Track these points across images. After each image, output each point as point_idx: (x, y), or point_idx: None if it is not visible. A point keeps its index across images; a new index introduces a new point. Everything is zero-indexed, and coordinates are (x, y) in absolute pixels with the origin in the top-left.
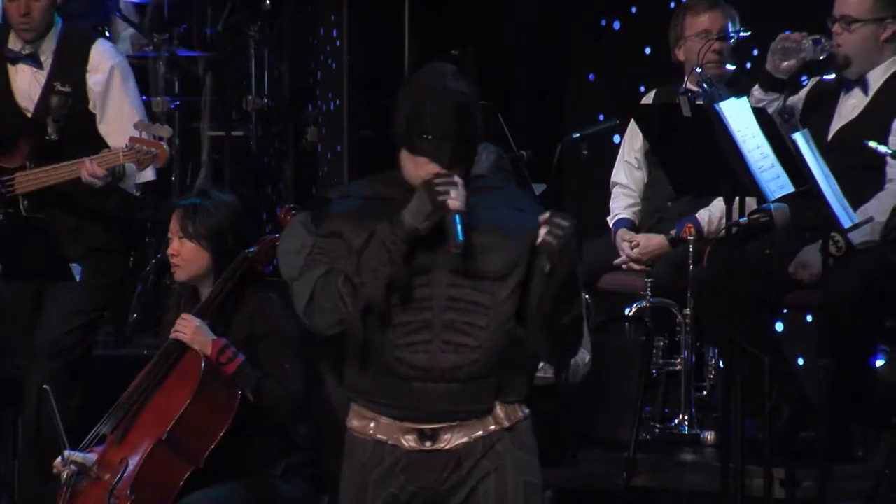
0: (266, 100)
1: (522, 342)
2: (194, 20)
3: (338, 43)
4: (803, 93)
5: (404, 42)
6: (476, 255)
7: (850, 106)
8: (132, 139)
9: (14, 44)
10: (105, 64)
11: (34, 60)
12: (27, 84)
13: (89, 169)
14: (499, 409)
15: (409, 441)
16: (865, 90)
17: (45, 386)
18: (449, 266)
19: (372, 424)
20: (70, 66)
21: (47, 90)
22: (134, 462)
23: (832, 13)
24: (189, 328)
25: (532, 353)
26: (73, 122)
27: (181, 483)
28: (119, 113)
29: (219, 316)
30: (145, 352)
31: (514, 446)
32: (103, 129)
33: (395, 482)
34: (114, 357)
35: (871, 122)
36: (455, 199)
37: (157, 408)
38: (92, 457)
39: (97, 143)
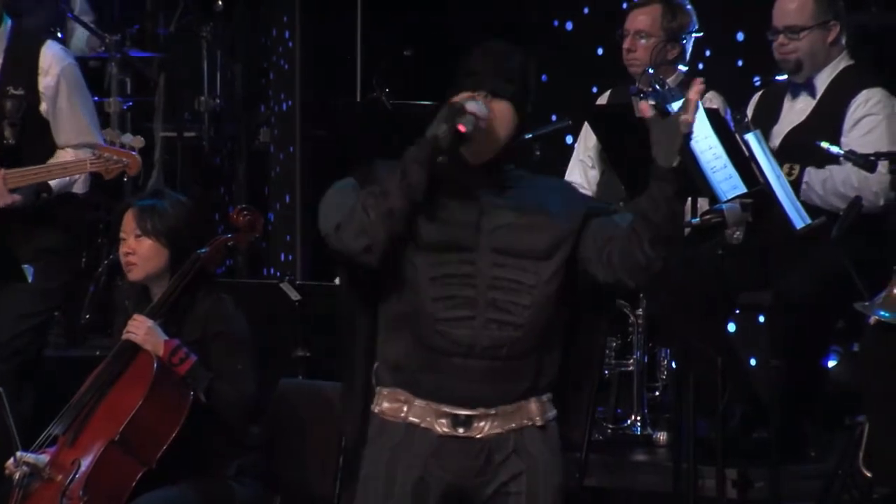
0: (218, 100)
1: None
2: (147, 21)
3: (290, 44)
4: (755, 97)
5: (356, 43)
6: (521, 234)
7: (799, 109)
8: (102, 148)
9: None
10: (55, 67)
11: None
12: None
13: None
14: (533, 404)
15: (441, 426)
16: (813, 93)
17: None
18: (493, 245)
19: (405, 407)
20: (21, 68)
21: (0, 94)
22: (86, 463)
23: (773, 27)
24: (141, 329)
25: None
26: (29, 125)
27: (133, 484)
28: (70, 116)
29: (171, 317)
30: (97, 353)
31: (546, 447)
32: (54, 132)
33: (424, 467)
34: (66, 358)
35: (821, 124)
36: (472, 105)
37: (110, 408)
38: (44, 458)
39: (54, 145)
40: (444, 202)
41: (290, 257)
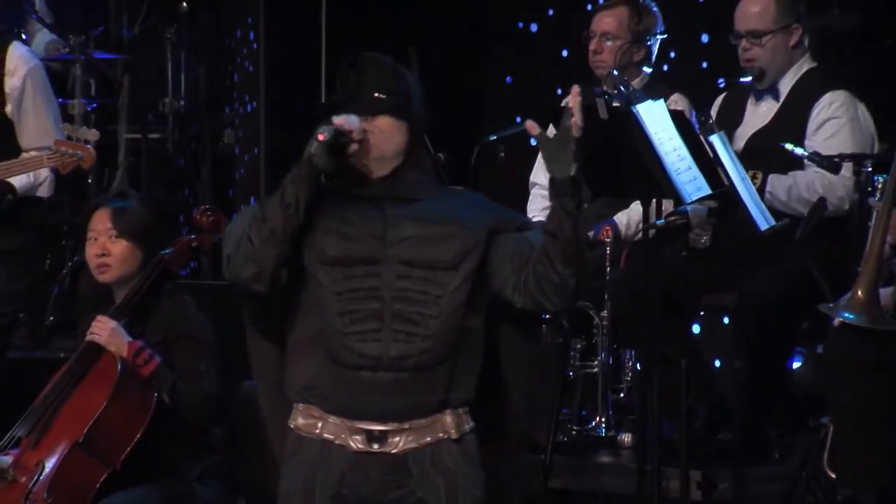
0: (182, 102)
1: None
2: (111, 22)
3: (255, 45)
4: (719, 98)
5: (321, 44)
6: (427, 245)
7: (763, 112)
8: (57, 142)
9: None
10: (21, 69)
11: None
12: None
13: None
14: (448, 417)
15: (356, 442)
16: (776, 96)
17: None
18: (398, 257)
19: (320, 424)
20: None
21: None
22: (50, 464)
23: (735, 31)
24: (105, 330)
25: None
26: None
27: (98, 485)
28: (35, 119)
29: (134, 318)
30: (62, 354)
31: (464, 460)
32: (18, 135)
33: (342, 482)
34: (30, 359)
35: (785, 127)
36: (341, 118)
37: (74, 410)
38: (7, 459)
39: (17, 146)
40: (348, 216)
41: None
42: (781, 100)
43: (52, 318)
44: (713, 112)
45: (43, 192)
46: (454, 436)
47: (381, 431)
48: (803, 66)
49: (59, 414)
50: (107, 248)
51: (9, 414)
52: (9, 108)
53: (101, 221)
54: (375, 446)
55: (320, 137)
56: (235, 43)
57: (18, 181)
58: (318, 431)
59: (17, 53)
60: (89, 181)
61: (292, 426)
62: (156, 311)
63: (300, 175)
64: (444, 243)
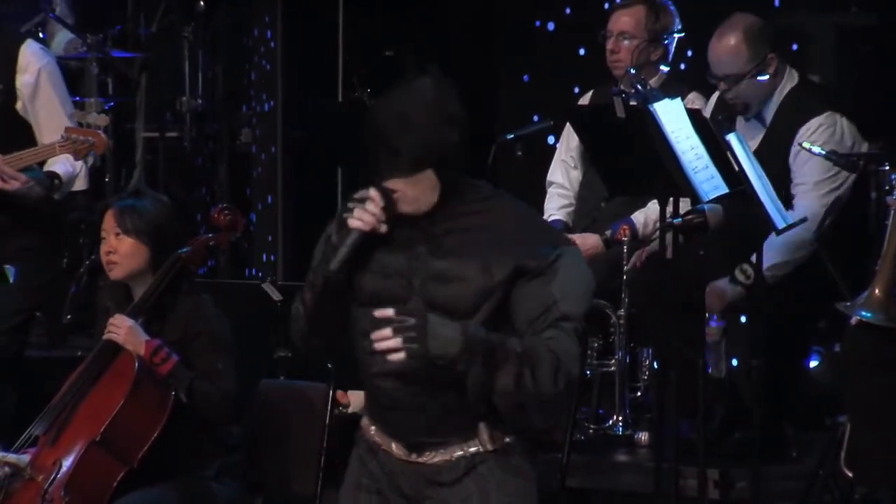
0: (200, 101)
1: None
2: (129, 21)
3: (272, 44)
4: (714, 95)
5: (339, 43)
6: (448, 286)
7: (749, 135)
8: (68, 129)
9: None
10: (34, 66)
11: None
12: None
13: (3, 171)
14: (483, 432)
15: (396, 450)
16: (762, 121)
17: None
18: (423, 296)
19: (372, 428)
20: None
21: None
22: (67, 463)
23: (712, 73)
24: (122, 329)
25: None
26: (4, 121)
27: (115, 484)
28: (48, 115)
29: (152, 316)
30: (79, 353)
31: (500, 469)
32: (36, 132)
33: (381, 482)
34: (47, 358)
35: (770, 154)
36: (357, 217)
37: (91, 408)
38: (25, 458)
39: (28, 143)
40: (380, 255)
41: (273, 258)
42: (767, 125)
43: (69, 317)
44: (707, 110)
45: (80, 184)
46: (489, 448)
47: (418, 443)
48: (786, 86)
49: (77, 412)
50: (113, 246)
51: (26, 412)
52: (20, 105)
53: (108, 220)
54: (414, 456)
55: (334, 264)
56: (253, 41)
57: (61, 169)
58: (371, 433)
59: (29, 51)
60: (107, 179)
61: (362, 421)
62: (174, 309)
63: (319, 282)
64: (463, 286)
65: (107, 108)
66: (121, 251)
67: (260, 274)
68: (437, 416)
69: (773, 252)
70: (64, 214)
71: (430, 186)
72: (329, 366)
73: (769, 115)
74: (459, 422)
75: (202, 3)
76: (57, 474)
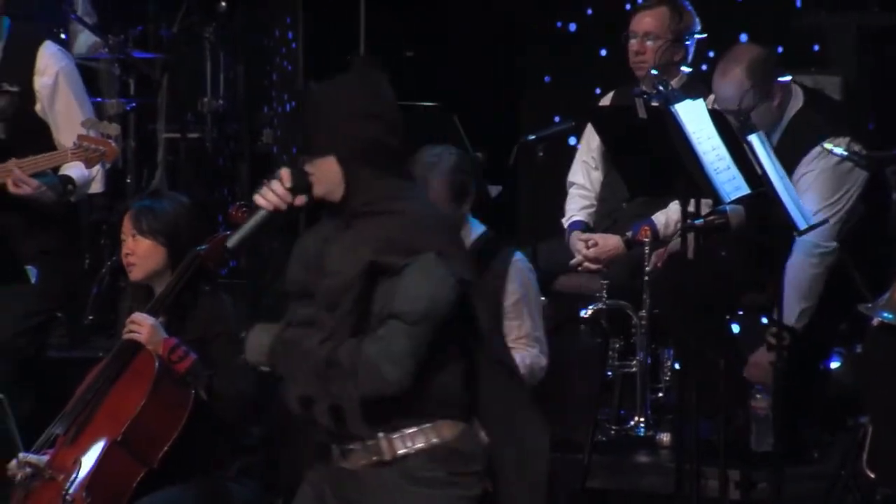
0: (221, 101)
1: None
2: (150, 22)
3: (293, 45)
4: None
5: (359, 43)
6: (325, 280)
7: None
8: (80, 137)
9: None
10: (52, 68)
11: None
12: None
13: (15, 176)
14: (382, 442)
15: (335, 452)
16: (770, 145)
17: None
18: (315, 289)
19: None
20: (17, 67)
21: None
22: (88, 463)
23: (721, 105)
24: (144, 327)
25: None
26: (21, 123)
27: (135, 484)
28: (67, 117)
29: (172, 315)
30: (100, 354)
31: (401, 477)
32: (55, 133)
33: (327, 484)
34: (68, 359)
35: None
36: (262, 195)
37: (111, 408)
38: (45, 458)
39: (47, 144)
40: (308, 244)
41: None
42: (774, 146)
43: (90, 318)
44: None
45: (96, 187)
46: (387, 458)
47: (343, 450)
48: (791, 109)
49: (97, 412)
50: (131, 248)
51: (47, 413)
52: (38, 107)
53: (126, 222)
54: (341, 460)
55: (232, 241)
56: (274, 42)
57: (76, 173)
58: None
59: (48, 53)
60: (128, 181)
61: None
62: (193, 308)
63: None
64: (335, 279)
65: (128, 108)
66: (138, 252)
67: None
68: (341, 416)
69: (795, 294)
70: (83, 216)
71: (334, 174)
72: None
73: (775, 139)
74: (357, 429)
75: (223, 3)
76: (77, 474)
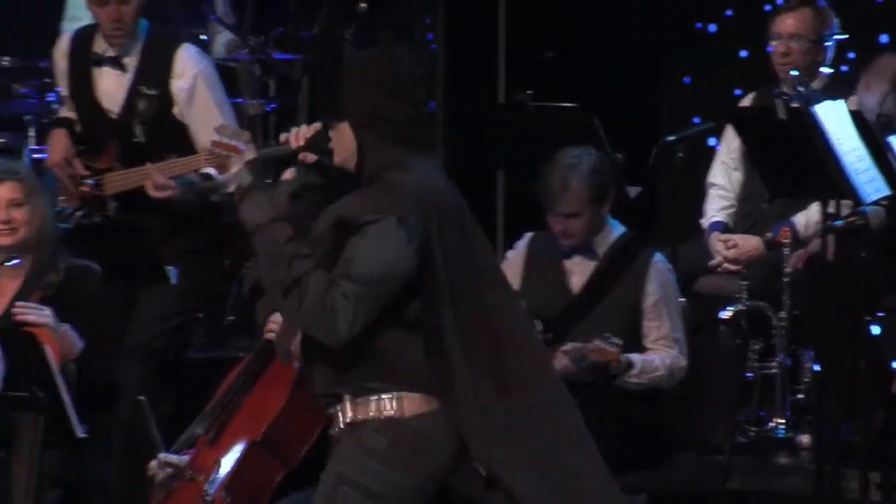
0: None
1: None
2: (290, 23)
3: (432, 46)
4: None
5: (499, 44)
6: (309, 238)
7: None
8: (213, 143)
9: (99, 46)
10: (189, 71)
11: (117, 63)
12: (111, 86)
13: (156, 181)
14: (347, 404)
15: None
16: None
17: (140, 397)
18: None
19: None
20: (155, 70)
21: (133, 93)
22: (228, 463)
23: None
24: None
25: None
26: (160, 125)
27: (275, 484)
28: (205, 119)
29: None
30: (240, 354)
31: (352, 444)
32: (194, 135)
33: None
34: (208, 359)
35: None
36: (292, 134)
37: (252, 408)
38: (186, 458)
39: (185, 146)
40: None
41: None
42: None
43: (230, 318)
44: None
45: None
46: (347, 421)
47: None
48: None
49: (238, 412)
50: None
51: (187, 413)
52: (176, 109)
53: None
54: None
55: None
56: (413, 44)
57: (214, 172)
58: None
59: (185, 55)
60: (267, 181)
61: None
62: None
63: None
64: (313, 237)
65: (268, 109)
66: None
67: None
68: (311, 375)
69: None
70: (224, 216)
71: (349, 140)
72: None
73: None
74: (326, 389)
75: (363, 4)
76: (217, 474)
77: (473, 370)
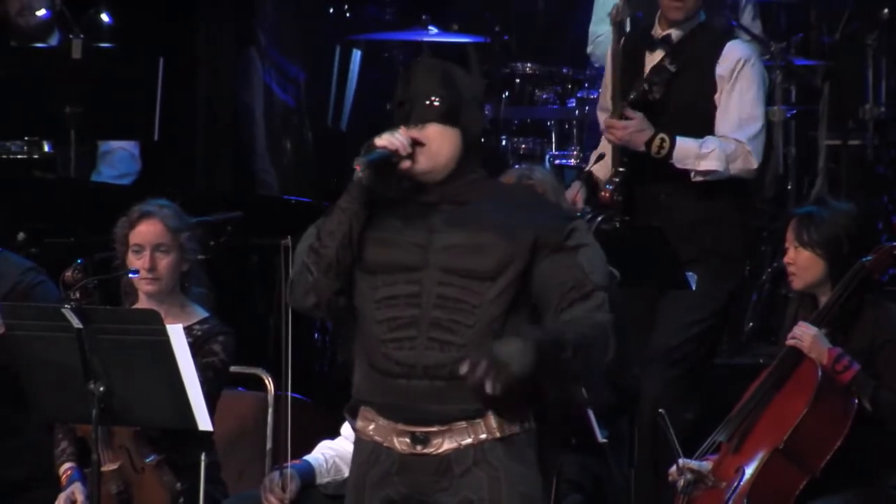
0: (883, 109)
1: None
2: (811, 29)
3: None
4: None
5: None
6: (468, 254)
7: None
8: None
9: (656, 31)
10: (733, 55)
11: (666, 44)
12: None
13: None
14: (492, 419)
15: (402, 444)
16: None
17: (659, 410)
18: (441, 264)
19: (371, 426)
20: (699, 55)
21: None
22: (749, 471)
23: None
24: (806, 337)
25: None
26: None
27: (797, 493)
28: (738, 103)
29: (837, 325)
30: (761, 360)
31: (509, 457)
32: (718, 116)
33: (389, 484)
34: (730, 365)
35: None
36: (384, 139)
37: (773, 416)
38: (707, 465)
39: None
40: (393, 224)
41: None
42: None
43: (751, 325)
44: None
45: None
46: (498, 435)
47: (424, 433)
48: None
49: (759, 420)
50: (791, 258)
51: (709, 420)
52: (715, 95)
53: (790, 231)
54: (419, 448)
55: (357, 167)
56: None
57: None
58: (371, 433)
59: (735, 45)
60: (789, 187)
61: (355, 427)
62: (858, 318)
63: (351, 203)
64: (484, 253)
65: (788, 115)
66: (798, 263)
67: None
68: (444, 393)
69: None
70: (750, 218)
71: (453, 147)
72: None
73: None
74: (466, 406)
75: (885, 11)
76: (739, 482)
77: None
